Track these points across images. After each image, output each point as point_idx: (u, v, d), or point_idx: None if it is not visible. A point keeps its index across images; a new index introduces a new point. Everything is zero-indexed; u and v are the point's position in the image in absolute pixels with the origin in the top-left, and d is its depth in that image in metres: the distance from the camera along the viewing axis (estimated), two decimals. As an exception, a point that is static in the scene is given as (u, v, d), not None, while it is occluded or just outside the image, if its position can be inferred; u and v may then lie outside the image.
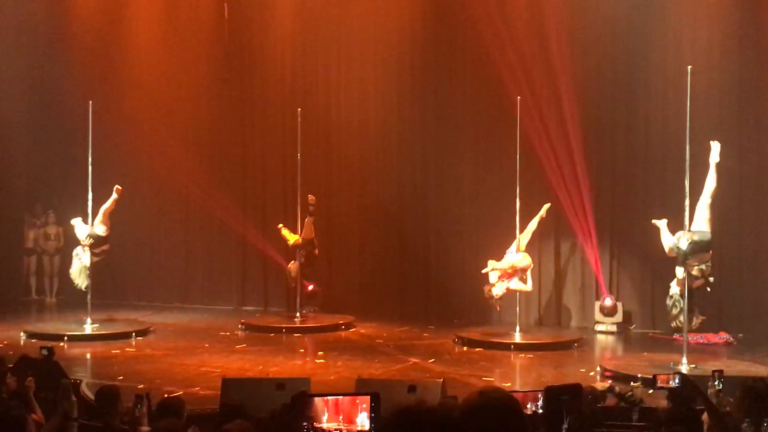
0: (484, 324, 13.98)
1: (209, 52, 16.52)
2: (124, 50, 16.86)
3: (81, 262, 13.70)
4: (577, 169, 14.08)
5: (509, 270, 13.04)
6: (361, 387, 7.05)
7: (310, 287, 14.76)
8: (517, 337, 12.82)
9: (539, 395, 4.96)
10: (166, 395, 7.16)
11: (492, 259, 13.16)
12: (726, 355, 12.01)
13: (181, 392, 8.82)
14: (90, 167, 13.51)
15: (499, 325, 13.85)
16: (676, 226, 10.99)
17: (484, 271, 13.13)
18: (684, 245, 10.75)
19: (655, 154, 13.92)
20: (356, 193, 15.66)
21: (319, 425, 4.61)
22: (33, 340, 12.48)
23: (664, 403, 6.65)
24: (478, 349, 12.43)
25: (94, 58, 16.67)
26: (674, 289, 11.12)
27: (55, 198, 16.77)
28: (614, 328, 13.76)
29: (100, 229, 13.55)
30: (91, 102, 13.81)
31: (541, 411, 4.88)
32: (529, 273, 13.16)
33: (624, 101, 14.24)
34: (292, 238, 14.41)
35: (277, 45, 16.18)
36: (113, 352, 12.16)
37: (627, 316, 13.98)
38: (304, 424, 4.60)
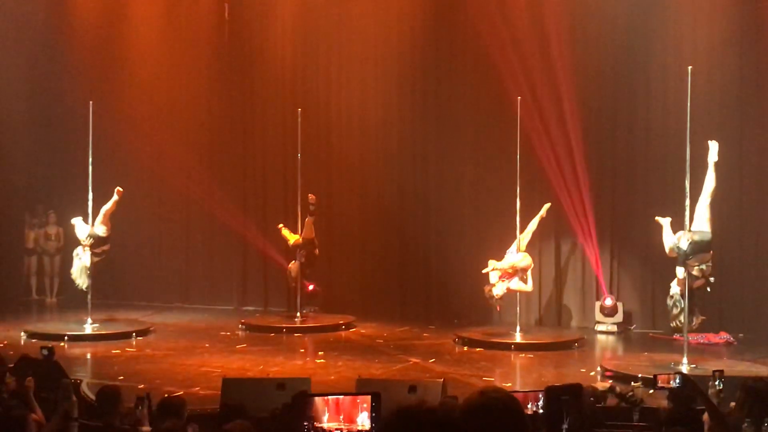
0: (484, 324, 13.98)
1: (210, 52, 16.53)
2: (124, 50, 16.87)
3: (81, 261, 13.70)
4: (577, 169, 14.08)
5: (510, 270, 13.04)
6: (361, 387, 7.05)
7: (311, 287, 14.75)
8: (518, 337, 12.81)
9: (540, 395, 4.96)
10: (166, 395, 7.15)
11: (492, 259, 13.16)
12: (726, 355, 12.00)
13: (181, 392, 8.80)
14: (90, 167, 13.52)
15: (499, 325, 13.85)
16: (676, 226, 10.99)
17: (484, 271, 13.13)
18: (684, 245, 10.74)
19: (656, 154, 13.92)
20: (356, 193, 15.66)
21: (319, 425, 4.61)
22: (33, 340, 12.48)
23: (664, 403, 6.64)
24: (478, 349, 12.43)
25: (95, 59, 16.69)
26: (675, 289, 11.11)
27: (55, 198, 16.77)
28: (615, 328, 13.76)
29: (101, 230, 13.55)
30: (91, 102, 13.81)
31: (541, 411, 4.88)
32: (529, 273, 13.16)
33: (624, 101, 14.24)
34: (292, 238, 14.41)
35: (277, 45, 16.18)
36: (114, 352, 12.16)
37: (627, 316, 13.98)
38: (305, 423, 4.61)
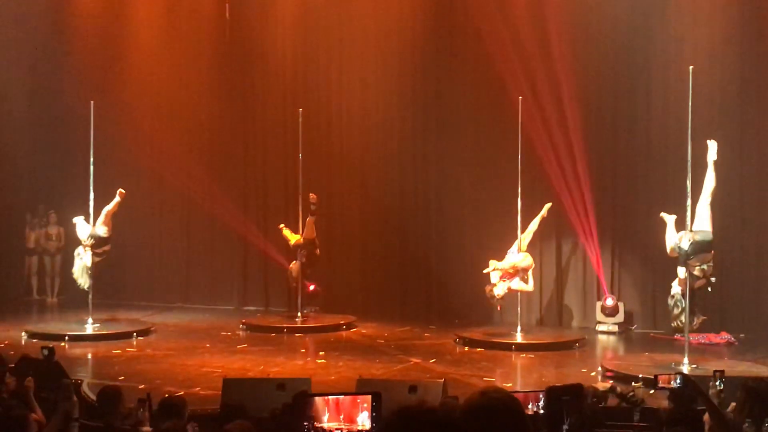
0: (485, 324, 13.97)
1: (210, 52, 16.53)
2: (125, 50, 16.87)
3: (83, 261, 13.70)
4: (578, 169, 14.08)
5: (511, 270, 13.04)
6: (362, 387, 7.04)
7: (311, 287, 14.75)
8: (519, 337, 12.80)
9: (540, 395, 4.96)
10: (167, 395, 7.15)
11: (493, 259, 13.16)
12: (727, 356, 11.99)
13: (182, 392, 8.81)
14: (92, 167, 13.52)
15: (500, 325, 13.85)
16: (678, 226, 10.98)
17: (485, 271, 13.13)
18: (686, 245, 10.74)
19: (657, 154, 13.91)
20: (357, 193, 15.66)
21: (320, 425, 4.60)
22: (34, 340, 12.48)
23: (665, 403, 6.63)
24: (479, 349, 12.42)
25: (96, 59, 16.68)
26: (676, 289, 11.11)
27: (56, 198, 16.78)
28: (615, 329, 13.75)
29: (102, 230, 13.55)
30: (92, 102, 13.81)
31: (542, 411, 4.88)
32: (530, 273, 13.15)
33: (625, 101, 14.23)
34: (293, 238, 14.41)
35: (278, 45, 16.18)
36: (114, 352, 12.15)
37: (628, 316, 13.98)
38: (305, 423, 4.60)
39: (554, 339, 13.08)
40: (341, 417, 4.63)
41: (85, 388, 8.84)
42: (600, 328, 13.84)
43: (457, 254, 14.90)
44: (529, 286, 13.20)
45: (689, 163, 10.68)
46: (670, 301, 11.19)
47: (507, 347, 12.46)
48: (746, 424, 5.38)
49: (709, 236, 10.79)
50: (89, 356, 12.09)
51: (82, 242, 13.71)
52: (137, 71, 16.71)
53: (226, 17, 16.28)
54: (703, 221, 10.81)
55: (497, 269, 13.03)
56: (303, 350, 12.66)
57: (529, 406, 4.98)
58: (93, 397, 7.84)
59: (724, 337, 12.95)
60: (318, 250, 14.48)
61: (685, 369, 10.36)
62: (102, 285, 14.60)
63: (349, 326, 13.99)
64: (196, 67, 16.56)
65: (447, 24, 15.24)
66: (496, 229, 14.06)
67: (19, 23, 16.54)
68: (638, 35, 14.01)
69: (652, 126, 14.04)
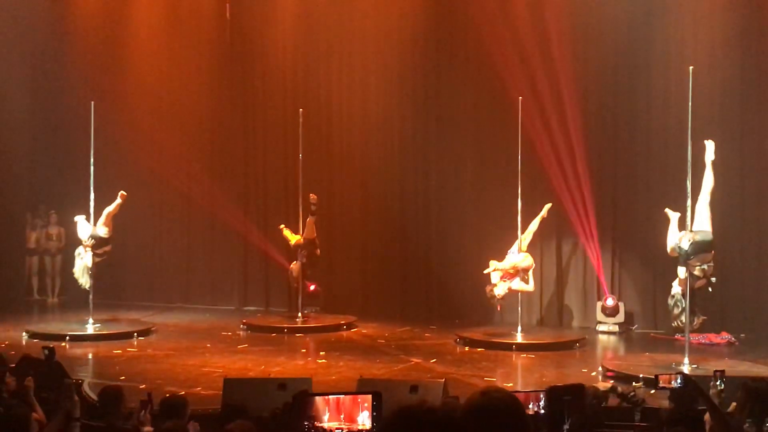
0: (485, 324, 13.97)
1: (211, 52, 16.54)
2: (126, 50, 16.87)
3: (83, 261, 13.71)
4: (578, 169, 14.08)
5: (511, 270, 13.04)
6: (362, 387, 7.04)
7: (312, 287, 14.75)
8: (519, 338, 12.80)
9: (541, 395, 4.95)
10: (168, 395, 7.15)
11: (494, 259, 13.16)
12: (728, 356, 11.98)
13: (183, 392, 8.81)
14: (92, 167, 13.52)
15: (500, 325, 13.85)
16: (679, 226, 10.97)
17: (486, 271, 13.13)
18: (686, 245, 10.73)
19: (657, 154, 13.91)
20: (358, 194, 15.67)
21: (320, 424, 4.61)
22: (35, 340, 12.48)
23: (666, 403, 6.64)
24: (479, 349, 12.42)
25: (96, 59, 16.69)
26: (676, 289, 11.11)
27: (57, 198, 16.77)
28: (616, 329, 13.76)
29: (102, 231, 13.56)
30: (93, 102, 13.82)
31: (543, 411, 4.88)
32: (530, 273, 13.15)
33: (625, 101, 14.23)
34: (293, 238, 14.41)
35: (278, 45, 16.19)
36: (115, 352, 12.15)
37: (629, 316, 13.98)
38: (306, 423, 4.60)
39: (555, 339, 13.08)
40: (342, 417, 4.63)
41: (86, 388, 8.84)
42: (600, 328, 13.85)
43: (457, 254, 14.90)
44: (530, 287, 13.21)
45: (689, 163, 10.68)
46: (671, 301, 11.19)
47: (507, 347, 12.46)
48: (747, 424, 5.39)
49: (709, 236, 10.79)
50: (90, 356, 12.09)
51: (83, 242, 13.72)
52: (137, 72, 16.71)
53: (226, 17, 16.29)
54: (702, 221, 10.81)
55: (498, 269, 13.03)
56: (304, 350, 12.66)
57: (530, 406, 4.98)
58: (94, 397, 7.85)
59: (725, 337, 12.95)
60: (318, 251, 14.48)
61: (686, 369, 10.36)
62: (102, 285, 14.60)
63: (349, 326, 13.99)
64: (197, 67, 16.56)
65: (447, 24, 15.24)
66: (496, 229, 14.06)
67: (20, 24, 16.54)
68: (638, 35, 14.01)
69: (652, 126, 14.04)
